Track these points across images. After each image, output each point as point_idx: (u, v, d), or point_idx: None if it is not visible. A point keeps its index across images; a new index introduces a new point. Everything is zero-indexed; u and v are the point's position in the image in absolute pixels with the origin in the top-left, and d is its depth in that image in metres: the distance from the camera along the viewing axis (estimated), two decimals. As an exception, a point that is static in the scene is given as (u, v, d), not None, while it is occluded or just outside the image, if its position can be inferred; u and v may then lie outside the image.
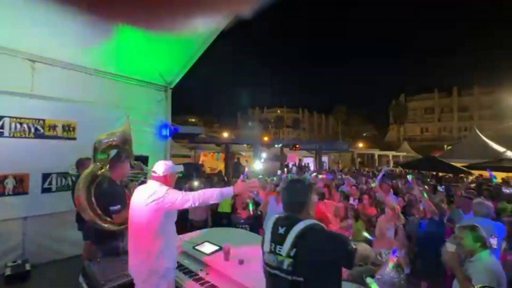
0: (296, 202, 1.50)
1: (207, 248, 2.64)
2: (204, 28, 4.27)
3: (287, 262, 1.36)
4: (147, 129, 5.15)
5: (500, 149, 12.77)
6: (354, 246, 1.34)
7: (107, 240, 2.51)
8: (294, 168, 15.41)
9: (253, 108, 55.58)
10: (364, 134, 47.58)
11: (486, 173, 11.27)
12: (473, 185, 7.85)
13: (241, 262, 2.32)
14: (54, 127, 4.08)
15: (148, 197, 2.00)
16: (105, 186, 2.53)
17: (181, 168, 2.39)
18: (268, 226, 1.55)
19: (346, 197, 5.04)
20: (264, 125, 49.40)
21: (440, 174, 11.68)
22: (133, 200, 2.14)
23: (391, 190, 5.83)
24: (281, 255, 1.39)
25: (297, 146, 16.09)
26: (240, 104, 57.00)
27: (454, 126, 42.12)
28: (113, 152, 2.72)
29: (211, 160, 16.63)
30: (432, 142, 37.09)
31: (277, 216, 1.56)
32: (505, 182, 8.77)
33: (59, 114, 4.11)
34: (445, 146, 26.19)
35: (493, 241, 2.78)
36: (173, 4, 3.60)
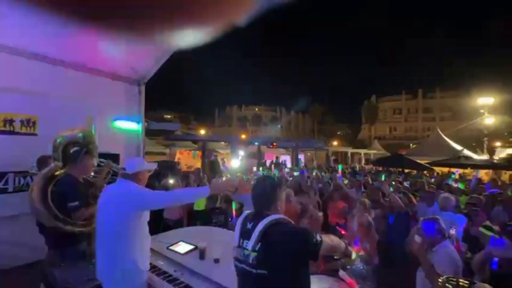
0: (264, 198, 1.51)
1: (182, 247, 2.56)
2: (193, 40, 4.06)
3: (252, 256, 1.39)
4: (118, 125, 4.88)
5: (458, 147, 14.08)
6: (319, 238, 1.37)
7: (66, 244, 2.32)
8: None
9: (231, 106, 55.17)
10: (338, 133, 49.37)
11: (445, 169, 12.40)
12: (432, 180, 8.63)
13: (216, 260, 2.29)
14: (10, 121, 3.71)
15: (117, 197, 1.89)
16: (63, 183, 2.35)
17: (154, 165, 2.30)
18: (238, 221, 1.57)
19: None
20: (241, 123, 49.36)
21: (406, 170, 12.50)
22: (101, 199, 2.01)
23: (362, 186, 6.17)
24: (247, 249, 1.41)
25: (275, 144, 16.25)
26: (218, 101, 56.31)
27: (419, 126, 45.12)
28: (74, 149, 2.54)
29: (188, 158, 16.27)
30: (399, 141, 39.53)
31: (247, 212, 1.59)
32: (461, 177, 9.60)
33: (17, 107, 3.73)
34: (411, 144, 28.04)
35: (452, 232, 3.05)
36: (166, 19, 3.40)
